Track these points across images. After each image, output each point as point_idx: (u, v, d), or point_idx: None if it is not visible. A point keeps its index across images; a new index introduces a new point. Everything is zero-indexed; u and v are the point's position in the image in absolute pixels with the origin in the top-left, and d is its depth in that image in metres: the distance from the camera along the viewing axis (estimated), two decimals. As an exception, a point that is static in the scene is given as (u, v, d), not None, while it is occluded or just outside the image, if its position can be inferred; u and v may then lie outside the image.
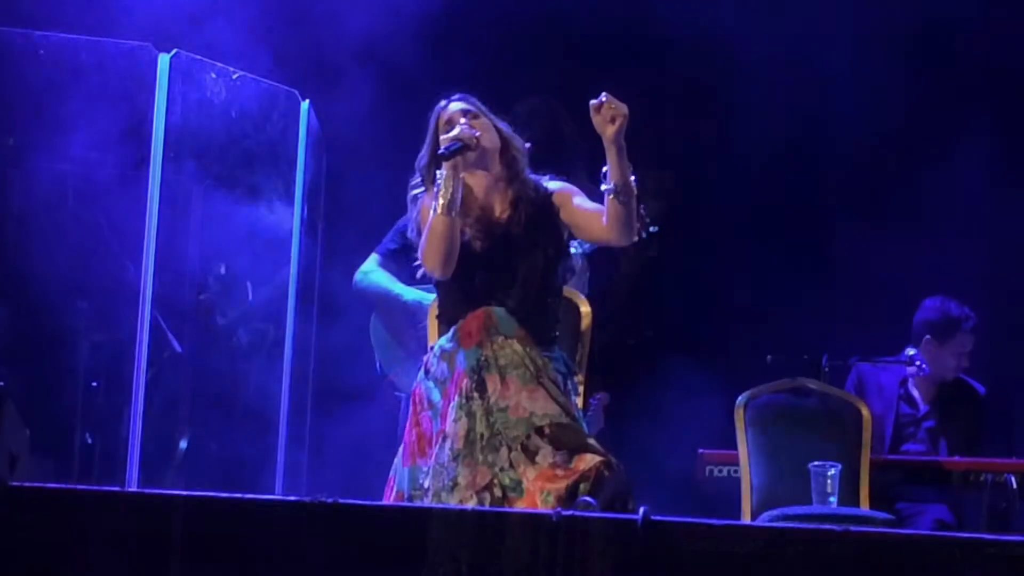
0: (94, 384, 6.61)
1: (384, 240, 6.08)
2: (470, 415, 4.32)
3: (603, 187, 4.60)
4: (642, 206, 6.10)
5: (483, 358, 4.36)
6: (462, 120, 4.73)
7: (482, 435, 4.31)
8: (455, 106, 4.80)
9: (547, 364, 4.47)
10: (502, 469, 4.28)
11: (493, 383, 4.34)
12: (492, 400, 4.31)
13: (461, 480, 4.28)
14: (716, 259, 7.32)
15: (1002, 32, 7.42)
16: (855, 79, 7.43)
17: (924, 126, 7.45)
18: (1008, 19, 7.41)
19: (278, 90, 6.61)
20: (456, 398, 4.35)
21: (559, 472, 4.27)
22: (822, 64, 7.37)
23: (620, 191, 4.54)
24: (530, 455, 4.28)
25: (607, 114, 4.49)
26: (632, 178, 4.56)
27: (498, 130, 4.79)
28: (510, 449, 4.29)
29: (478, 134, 4.67)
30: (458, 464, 4.30)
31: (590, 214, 4.71)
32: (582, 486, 4.26)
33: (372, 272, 6.06)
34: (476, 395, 4.33)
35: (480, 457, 4.28)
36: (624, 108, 4.50)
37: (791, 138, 7.39)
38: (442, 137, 4.66)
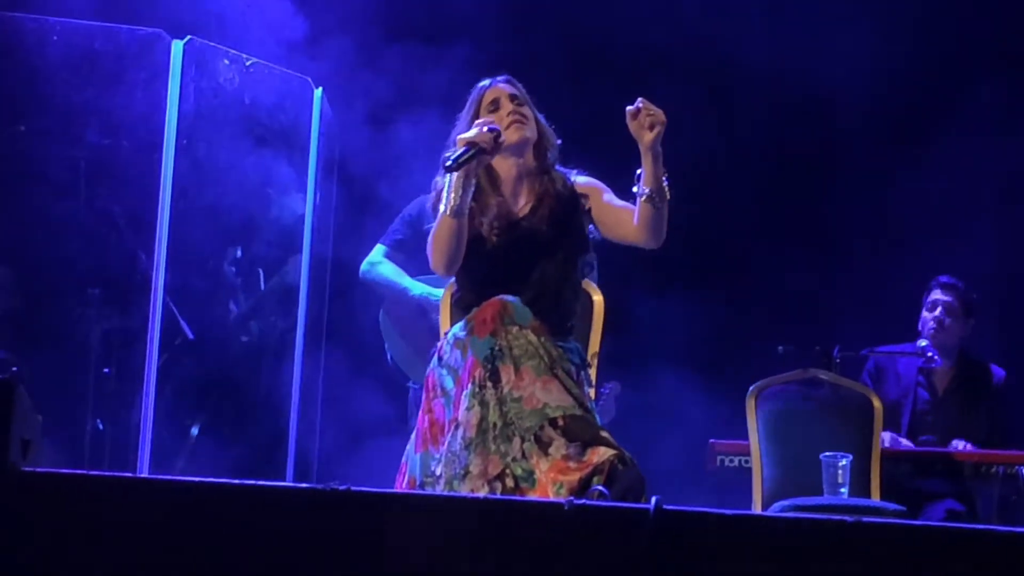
0: (106, 371, 6.61)
1: (389, 230, 6.09)
2: (483, 404, 4.28)
3: (635, 189, 4.57)
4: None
5: (497, 347, 4.31)
6: (510, 106, 4.68)
7: (495, 424, 4.27)
8: (503, 88, 4.74)
9: (562, 355, 4.44)
10: (514, 459, 4.24)
11: (507, 373, 4.29)
12: (506, 390, 4.27)
13: (473, 469, 4.25)
14: (727, 251, 7.30)
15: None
16: (861, 79, 7.42)
17: (931, 120, 7.44)
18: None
19: (291, 77, 6.60)
20: (469, 386, 4.32)
21: (572, 464, 4.25)
22: (828, 68, 7.36)
23: (655, 196, 4.51)
24: (543, 446, 4.24)
25: (645, 120, 4.45)
26: (666, 183, 4.52)
27: (536, 121, 4.75)
28: (523, 439, 4.25)
29: (498, 131, 4.59)
30: (470, 452, 4.27)
31: (620, 212, 4.66)
32: (595, 479, 4.23)
33: (379, 264, 6.07)
34: (490, 384, 4.29)
35: (493, 446, 4.25)
36: (662, 115, 4.45)
37: (797, 131, 7.40)
38: (460, 136, 4.59)
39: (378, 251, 6.09)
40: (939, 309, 6.49)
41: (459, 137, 4.59)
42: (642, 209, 4.54)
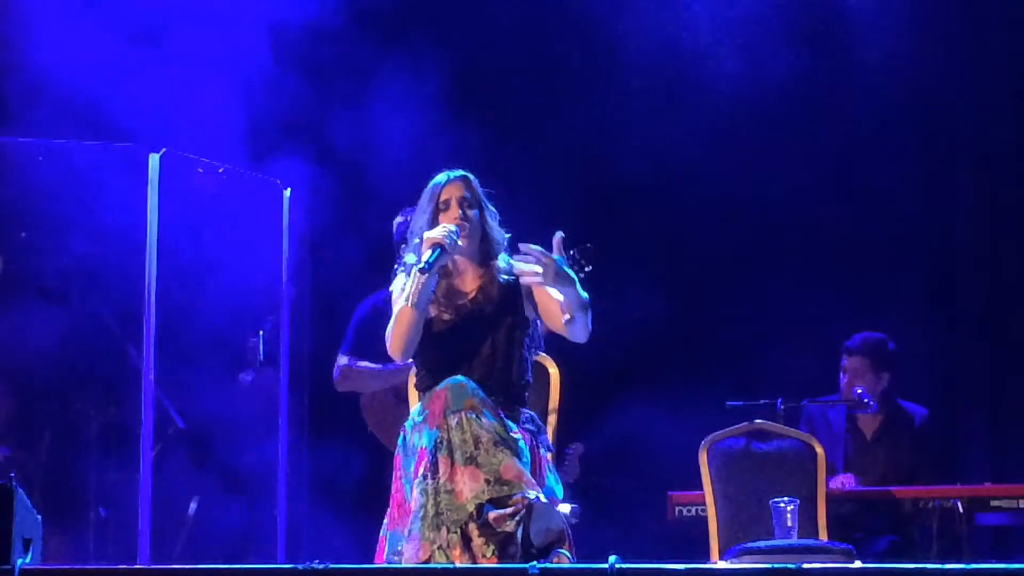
0: (102, 512, 6.72)
1: (346, 340, 6.21)
2: (424, 493, 4.39)
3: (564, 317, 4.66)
4: (575, 250, 6.19)
5: (439, 440, 4.42)
6: (457, 211, 4.73)
7: (428, 513, 4.36)
8: (457, 189, 4.77)
9: (504, 430, 4.48)
10: (440, 548, 4.33)
11: (444, 464, 4.39)
12: (441, 481, 4.38)
13: (406, 552, 4.36)
14: (678, 312, 7.33)
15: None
16: (792, 138, 7.49)
17: (855, 172, 7.52)
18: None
19: (262, 181, 6.67)
20: (418, 475, 4.42)
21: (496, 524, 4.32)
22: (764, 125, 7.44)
23: (575, 316, 4.62)
24: (466, 541, 4.33)
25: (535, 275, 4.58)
26: (582, 293, 4.61)
27: (483, 220, 4.80)
28: (449, 530, 4.34)
29: (459, 236, 4.69)
30: (406, 539, 4.38)
31: (554, 303, 4.71)
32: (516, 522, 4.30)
33: (347, 366, 6.17)
34: (430, 475, 4.40)
35: (425, 533, 4.33)
36: (535, 250, 4.55)
37: (738, 198, 7.45)
38: (427, 235, 4.66)
39: (342, 359, 6.21)
40: (847, 374, 6.62)
41: (426, 236, 4.69)
42: (568, 323, 4.65)
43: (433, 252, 4.62)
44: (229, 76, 6.53)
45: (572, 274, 4.62)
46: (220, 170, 6.40)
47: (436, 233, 4.66)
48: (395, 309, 4.71)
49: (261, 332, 6.83)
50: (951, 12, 7.49)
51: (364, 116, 6.92)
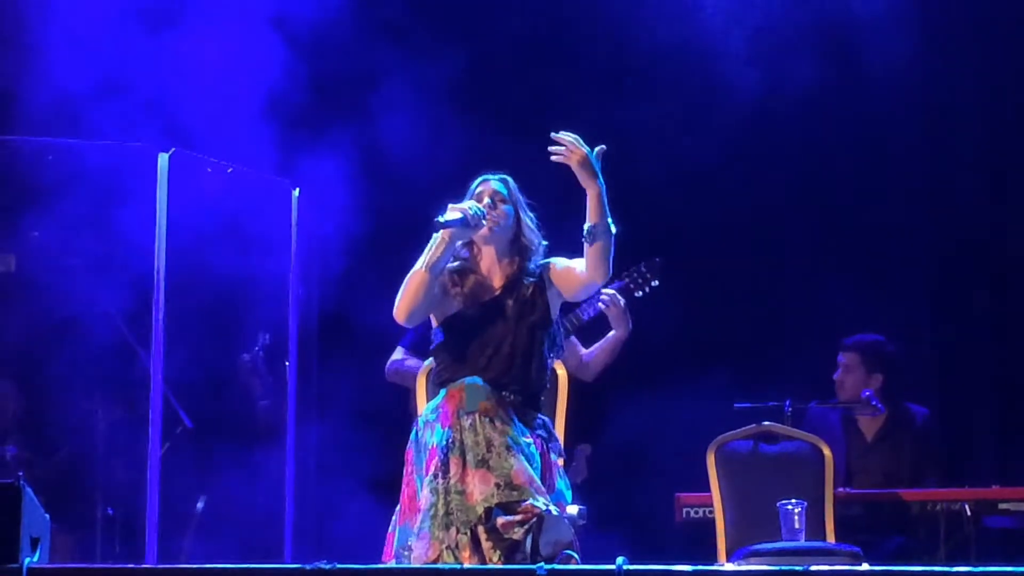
0: (109, 511, 6.72)
1: (407, 334, 6.17)
2: (434, 492, 4.39)
3: (585, 227, 4.68)
4: (642, 264, 6.17)
5: (451, 440, 4.41)
6: (487, 200, 4.80)
7: (439, 512, 4.36)
8: (493, 184, 4.87)
9: (516, 435, 4.48)
10: (448, 548, 4.33)
11: (456, 465, 4.40)
12: (452, 481, 4.39)
13: (415, 550, 4.36)
14: (686, 312, 7.31)
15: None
16: (805, 147, 7.47)
17: (863, 174, 7.51)
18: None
19: (271, 181, 6.66)
20: (429, 473, 4.40)
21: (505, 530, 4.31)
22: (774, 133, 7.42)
23: (598, 227, 4.62)
24: (476, 543, 4.33)
25: (564, 152, 4.63)
26: (609, 219, 4.64)
27: (518, 220, 4.85)
28: (458, 531, 4.34)
29: (484, 217, 4.75)
30: (415, 536, 4.38)
31: (570, 268, 4.80)
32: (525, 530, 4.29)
33: (403, 360, 6.18)
34: (440, 475, 4.39)
35: (435, 532, 4.33)
36: (571, 145, 4.62)
37: (746, 200, 7.43)
38: (451, 205, 4.74)
39: (398, 352, 6.24)
40: (838, 370, 6.62)
41: (451, 205, 4.76)
42: (588, 249, 4.67)
43: (461, 219, 4.68)
44: (238, 76, 6.52)
45: (597, 170, 4.64)
46: (229, 170, 6.37)
47: (464, 204, 4.75)
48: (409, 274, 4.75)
49: (257, 347, 6.84)
50: (958, 18, 7.47)
51: (374, 116, 6.91)
